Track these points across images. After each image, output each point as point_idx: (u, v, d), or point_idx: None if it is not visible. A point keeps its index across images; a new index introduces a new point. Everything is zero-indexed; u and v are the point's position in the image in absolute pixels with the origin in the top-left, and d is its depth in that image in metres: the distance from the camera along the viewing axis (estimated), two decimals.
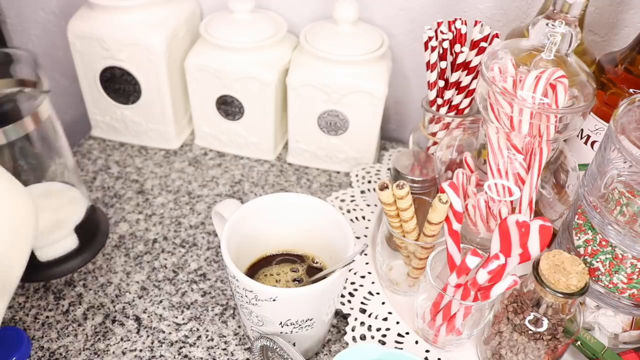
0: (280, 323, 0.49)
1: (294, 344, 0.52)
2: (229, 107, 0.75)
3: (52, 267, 0.54)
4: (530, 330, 0.49)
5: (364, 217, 0.69)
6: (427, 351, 0.55)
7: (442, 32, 0.61)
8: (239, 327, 0.59)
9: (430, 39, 0.61)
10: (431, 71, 0.63)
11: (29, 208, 0.43)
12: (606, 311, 0.53)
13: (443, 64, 0.62)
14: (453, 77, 0.62)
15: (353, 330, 0.56)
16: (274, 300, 0.47)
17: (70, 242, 0.55)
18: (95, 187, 0.73)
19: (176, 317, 0.59)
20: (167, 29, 0.72)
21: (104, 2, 0.70)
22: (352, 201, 0.71)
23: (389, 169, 0.75)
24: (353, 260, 0.48)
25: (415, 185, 0.62)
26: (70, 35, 0.72)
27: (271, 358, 0.51)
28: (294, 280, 0.55)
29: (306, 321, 0.50)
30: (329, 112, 0.72)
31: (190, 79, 0.74)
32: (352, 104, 0.71)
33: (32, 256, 0.52)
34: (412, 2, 0.73)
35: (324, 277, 0.48)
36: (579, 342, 0.53)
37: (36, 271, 0.54)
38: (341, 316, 0.59)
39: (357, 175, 0.75)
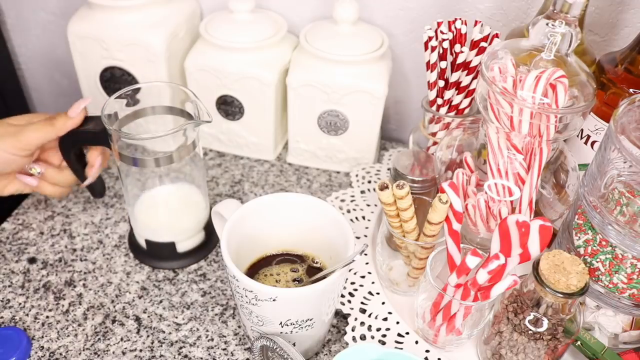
0: (280, 323, 0.49)
1: (294, 344, 0.52)
2: (229, 107, 0.75)
3: (186, 256, 0.65)
4: (530, 330, 0.49)
5: (364, 217, 0.69)
6: (427, 351, 0.55)
7: (442, 32, 0.61)
8: (239, 327, 0.59)
9: (430, 39, 0.61)
10: (431, 71, 0.63)
11: None
12: (606, 311, 0.53)
13: (443, 64, 0.62)
14: (453, 77, 0.62)
15: (353, 330, 0.56)
16: (274, 300, 0.47)
17: (200, 237, 0.66)
18: None
19: (176, 317, 0.59)
20: (167, 29, 0.72)
21: (104, 2, 0.70)
22: (352, 201, 0.71)
23: (389, 169, 0.75)
24: (353, 261, 0.48)
25: (415, 185, 0.62)
26: (70, 35, 0.72)
27: (271, 358, 0.51)
28: (294, 280, 0.55)
29: (306, 321, 0.50)
30: (329, 112, 0.72)
31: (190, 79, 0.74)
32: (352, 104, 0.71)
33: (173, 247, 0.64)
34: (412, 2, 0.73)
35: (324, 277, 0.48)
36: (579, 342, 0.53)
37: (175, 259, 0.65)
38: (341, 316, 0.59)
39: (357, 175, 0.75)
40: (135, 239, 0.65)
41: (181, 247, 0.64)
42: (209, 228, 0.66)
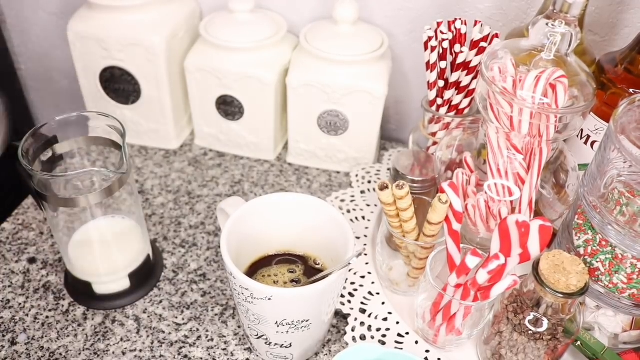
0: (276, 323, 0.49)
1: (290, 344, 0.52)
2: (229, 107, 0.75)
3: (106, 300, 0.60)
4: (530, 330, 0.49)
5: (364, 217, 0.69)
6: (427, 351, 0.55)
7: (442, 32, 0.61)
8: (239, 327, 0.59)
9: (430, 39, 0.61)
10: (431, 71, 0.63)
11: None
12: (606, 311, 0.53)
13: (443, 64, 0.62)
14: (453, 77, 0.62)
15: (353, 330, 0.56)
16: (269, 299, 0.47)
17: (123, 284, 0.60)
18: None
19: (176, 317, 0.59)
20: (167, 29, 0.72)
21: (104, 2, 0.70)
22: (352, 201, 0.71)
23: (389, 169, 0.75)
24: (349, 264, 0.48)
25: (415, 185, 0.62)
26: (70, 35, 0.72)
27: None
28: (292, 281, 0.55)
29: (302, 322, 0.50)
30: (329, 112, 0.72)
31: (190, 79, 0.74)
32: (352, 104, 0.71)
33: (90, 287, 0.59)
34: (412, 2, 0.73)
35: (321, 279, 0.48)
36: (579, 342, 0.53)
37: (93, 300, 0.60)
38: (341, 316, 0.59)
39: (357, 175, 0.75)
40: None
41: (99, 289, 0.60)
42: (136, 276, 0.60)
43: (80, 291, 0.60)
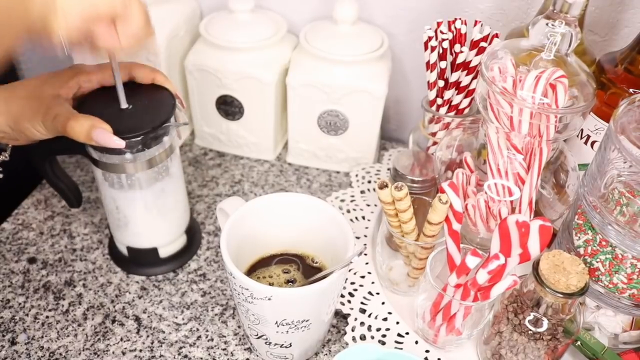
0: (276, 322, 0.49)
1: (290, 344, 0.52)
2: (229, 107, 0.75)
3: (170, 261, 0.64)
4: (530, 330, 0.49)
5: (364, 217, 0.69)
6: (427, 351, 0.55)
7: (442, 32, 0.61)
8: (239, 327, 0.59)
9: (430, 38, 0.61)
10: (431, 71, 0.63)
11: None
12: (606, 311, 0.53)
13: (443, 64, 0.62)
14: (453, 77, 0.62)
15: (353, 330, 0.56)
16: (269, 299, 0.47)
17: (182, 241, 0.65)
18: (95, 187, 0.73)
19: (176, 317, 0.59)
20: (167, 28, 0.72)
21: None
22: (352, 201, 0.71)
23: (389, 169, 0.75)
24: (350, 263, 0.48)
25: (415, 185, 0.62)
26: None
27: None
28: (288, 282, 0.55)
29: (302, 322, 0.50)
30: (329, 112, 0.72)
31: (190, 79, 0.74)
32: (352, 104, 0.71)
33: (156, 253, 0.63)
34: (412, 2, 0.73)
35: (320, 279, 0.48)
36: (579, 342, 0.53)
37: (158, 266, 0.64)
38: (341, 316, 0.59)
39: (357, 175, 0.75)
40: (116, 245, 0.64)
41: (163, 253, 0.63)
42: (190, 231, 0.66)
43: (144, 261, 0.63)
